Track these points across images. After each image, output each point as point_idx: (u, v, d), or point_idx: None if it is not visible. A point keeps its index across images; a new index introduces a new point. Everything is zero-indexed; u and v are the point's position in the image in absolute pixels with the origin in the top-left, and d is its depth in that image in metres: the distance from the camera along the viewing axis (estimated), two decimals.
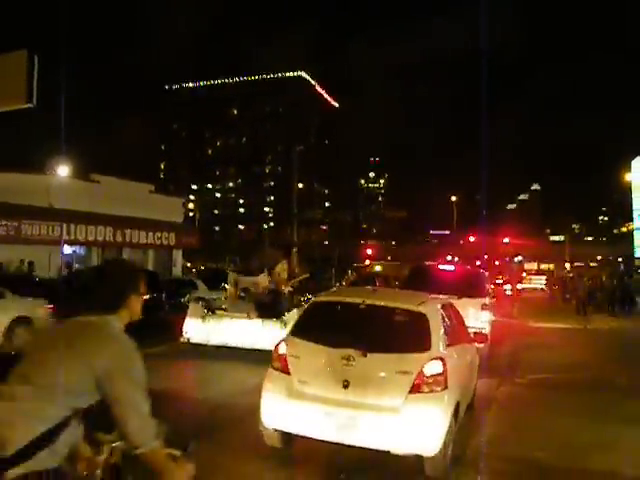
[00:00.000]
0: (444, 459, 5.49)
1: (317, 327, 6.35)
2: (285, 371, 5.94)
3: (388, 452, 5.42)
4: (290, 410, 5.76)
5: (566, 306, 28.25)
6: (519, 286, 48.85)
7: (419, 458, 5.48)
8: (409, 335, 6.08)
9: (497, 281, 43.99)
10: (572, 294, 29.30)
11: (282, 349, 6.13)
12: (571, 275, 40.50)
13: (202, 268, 45.09)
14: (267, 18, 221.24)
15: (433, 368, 5.51)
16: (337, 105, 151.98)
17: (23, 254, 22.47)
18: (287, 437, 5.98)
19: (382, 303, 6.42)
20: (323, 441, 5.58)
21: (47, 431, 2.22)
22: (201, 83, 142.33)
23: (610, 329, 20.77)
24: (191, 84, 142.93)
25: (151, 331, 8.13)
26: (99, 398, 2.37)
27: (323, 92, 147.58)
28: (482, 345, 9.30)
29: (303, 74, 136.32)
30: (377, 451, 5.39)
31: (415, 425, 5.36)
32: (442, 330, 6.10)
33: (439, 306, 6.69)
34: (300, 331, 6.31)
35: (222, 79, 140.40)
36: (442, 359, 5.63)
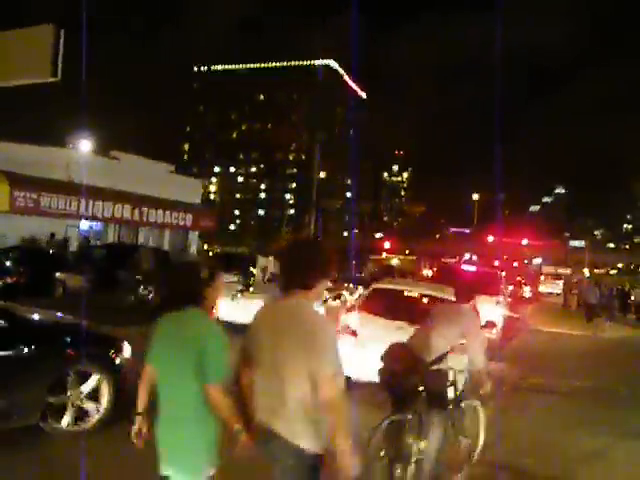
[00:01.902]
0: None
1: (376, 305, 8.65)
2: (352, 334, 8.06)
3: None
4: (355, 362, 7.14)
5: (579, 313, 27.90)
6: (541, 289, 48.48)
7: None
8: None
9: (519, 281, 43.61)
10: (580, 301, 28.94)
11: (352, 318, 8.47)
12: (575, 281, 39.90)
13: (217, 251, 45.15)
14: (302, 5, 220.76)
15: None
16: (364, 96, 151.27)
17: (41, 227, 22.70)
18: (349, 383, 6.76)
19: (422, 291, 9.03)
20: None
21: None
22: (230, 67, 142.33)
23: (621, 338, 20.52)
24: (220, 67, 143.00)
25: None
26: None
27: (351, 82, 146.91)
28: (493, 332, 11.89)
29: (332, 63, 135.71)
30: None
31: None
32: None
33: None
34: (364, 307, 8.76)
35: (251, 63, 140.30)
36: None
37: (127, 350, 6.18)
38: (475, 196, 78.87)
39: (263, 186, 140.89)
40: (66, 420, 5.53)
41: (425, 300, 8.59)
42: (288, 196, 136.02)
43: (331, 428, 2.73)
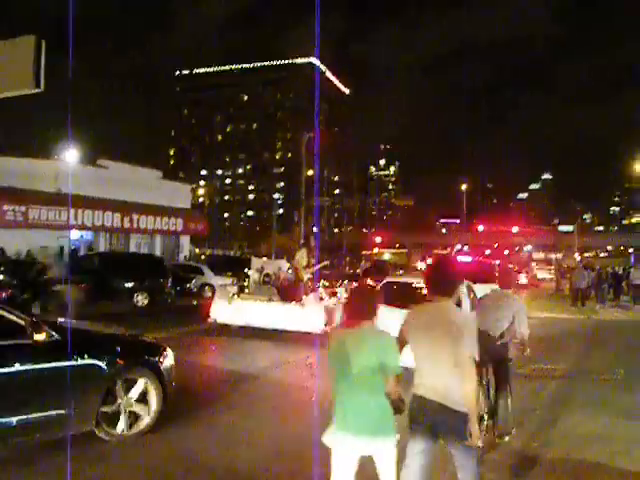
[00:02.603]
0: None
1: (388, 296, 9.16)
2: None
3: None
4: None
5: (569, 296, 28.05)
6: (539, 275, 48.74)
7: None
8: None
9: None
10: (568, 284, 29.02)
11: None
12: (566, 266, 40.06)
13: (206, 253, 45.11)
14: (282, 5, 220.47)
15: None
16: (347, 92, 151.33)
17: (31, 239, 22.63)
18: None
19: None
20: None
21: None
22: (212, 69, 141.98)
23: (615, 320, 20.70)
24: (202, 70, 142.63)
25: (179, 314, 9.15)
26: None
27: (334, 79, 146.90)
28: None
29: (314, 60, 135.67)
30: None
31: None
32: (468, 300, 9.30)
33: (465, 285, 9.47)
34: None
35: (233, 65, 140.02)
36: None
37: (171, 356, 6.54)
38: (463, 187, 79.24)
39: (251, 187, 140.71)
40: (121, 426, 5.86)
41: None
42: (277, 195, 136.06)
43: (467, 403, 3.74)
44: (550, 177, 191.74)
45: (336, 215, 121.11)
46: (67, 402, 5.39)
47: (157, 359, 6.35)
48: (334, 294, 14.24)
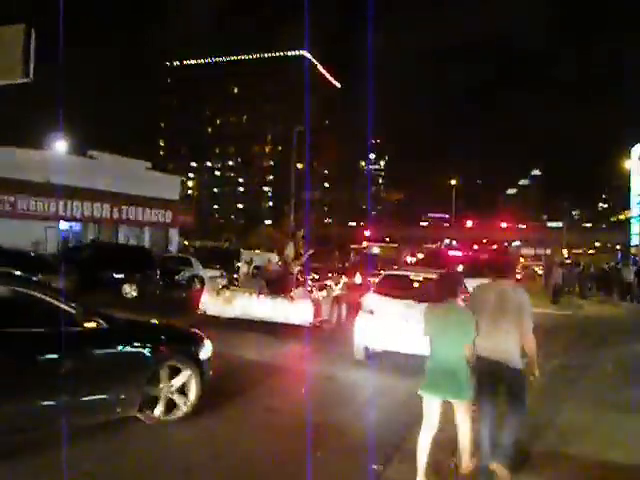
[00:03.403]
0: None
1: (388, 288, 10.53)
2: (370, 312, 10.10)
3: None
4: (372, 334, 9.98)
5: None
6: (539, 271, 48.99)
7: None
8: None
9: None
10: (547, 280, 29.26)
11: (369, 299, 10.44)
12: (557, 261, 40.31)
13: (196, 245, 44.90)
14: None
15: None
16: (339, 86, 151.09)
17: (19, 229, 22.52)
18: (368, 352, 10.25)
19: (424, 275, 10.92)
20: (392, 352, 9.89)
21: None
22: (202, 61, 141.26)
23: (600, 315, 20.92)
24: (192, 61, 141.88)
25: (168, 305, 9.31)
26: None
27: (325, 72, 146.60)
28: None
29: (305, 53, 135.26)
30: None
31: None
32: (458, 290, 9.77)
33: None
34: (378, 290, 10.68)
35: (223, 57, 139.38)
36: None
37: (209, 347, 6.78)
38: (452, 181, 79.43)
39: (241, 179, 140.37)
40: (159, 410, 6.12)
41: (426, 282, 10.44)
42: (267, 188, 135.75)
43: (530, 354, 5.18)
44: (539, 173, 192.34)
45: (326, 209, 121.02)
46: (114, 387, 5.72)
47: (196, 349, 6.60)
48: (323, 287, 14.32)
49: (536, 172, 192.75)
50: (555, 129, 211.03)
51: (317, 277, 15.24)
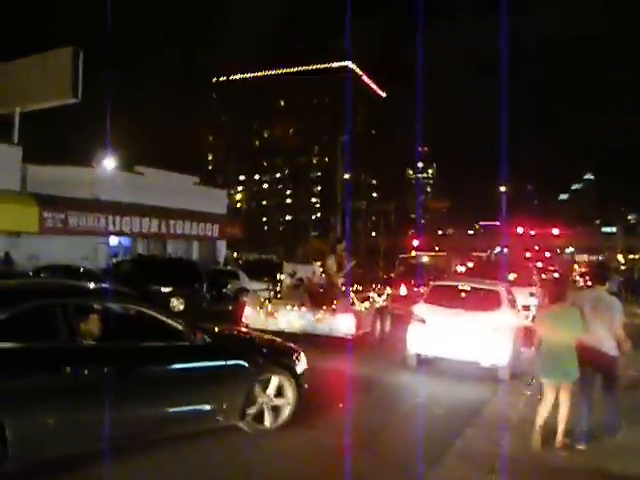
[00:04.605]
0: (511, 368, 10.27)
1: (438, 298, 11.11)
2: (422, 321, 10.70)
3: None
4: (424, 341, 10.65)
5: None
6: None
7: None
8: (489, 302, 10.78)
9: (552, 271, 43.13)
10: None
11: (420, 308, 11.03)
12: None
13: (244, 258, 45.21)
14: (317, 8, 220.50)
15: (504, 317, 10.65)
16: (384, 95, 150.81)
17: (70, 246, 23.05)
18: (420, 359, 10.86)
19: (473, 285, 11.66)
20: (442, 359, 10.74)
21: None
22: (247, 75, 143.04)
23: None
24: (238, 76, 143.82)
25: (215, 319, 10.44)
26: None
27: (370, 82, 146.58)
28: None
29: (350, 64, 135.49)
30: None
31: (494, 346, 10.10)
32: (506, 299, 11.03)
33: (504, 287, 11.75)
34: (429, 300, 11.24)
35: (269, 70, 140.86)
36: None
37: (304, 360, 7.18)
38: (502, 188, 77.97)
39: (289, 191, 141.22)
40: (267, 420, 6.60)
41: (474, 292, 11.24)
42: (314, 200, 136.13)
43: (620, 339, 6.46)
44: (592, 177, 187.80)
45: (373, 218, 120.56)
46: (218, 397, 6.19)
47: (293, 362, 6.99)
48: (366, 299, 14.14)
49: (589, 176, 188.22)
50: (607, 130, 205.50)
51: (360, 289, 15.05)
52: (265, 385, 6.59)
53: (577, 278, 37.41)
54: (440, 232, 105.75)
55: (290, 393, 6.71)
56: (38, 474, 5.15)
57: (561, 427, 6.33)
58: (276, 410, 6.65)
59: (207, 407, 6.14)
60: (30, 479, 5.12)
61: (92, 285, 6.87)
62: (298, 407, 6.75)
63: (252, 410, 6.45)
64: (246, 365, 6.44)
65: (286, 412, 6.68)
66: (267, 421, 6.58)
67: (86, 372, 5.27)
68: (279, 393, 6.69)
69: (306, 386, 7.00)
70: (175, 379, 5.96)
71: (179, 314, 18.69)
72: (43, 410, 5.05)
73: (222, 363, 6.30)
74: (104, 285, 6.86)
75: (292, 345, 7.56)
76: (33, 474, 5.12)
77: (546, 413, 6.32)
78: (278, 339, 7.96)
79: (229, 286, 23.54)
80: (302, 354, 7.21)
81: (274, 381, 6.66)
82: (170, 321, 6.09)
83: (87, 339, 5.56)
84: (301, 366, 7.03)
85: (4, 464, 4.75)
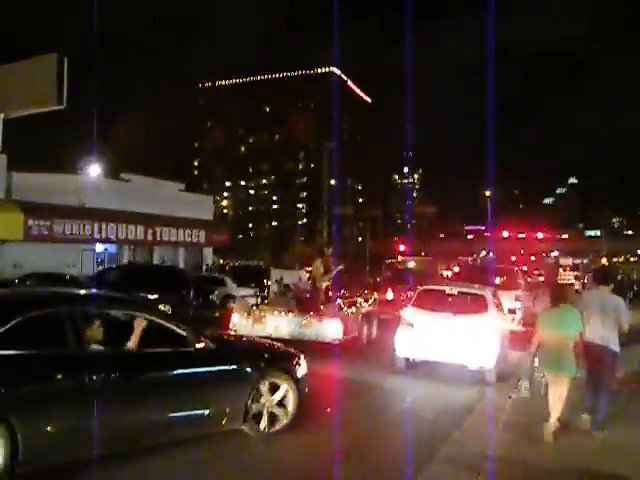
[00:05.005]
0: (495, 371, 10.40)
1: (426, 302, 11.21)
2: (410, 325, 10.87)
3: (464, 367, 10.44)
4: (413, 345, 10.79)
5: None
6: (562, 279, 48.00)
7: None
8: (476, 305, 10.89)
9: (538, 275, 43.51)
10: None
11: (408, 313, 11.17)
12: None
13: (229, 265, 45.08)
14: (302, 14, 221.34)
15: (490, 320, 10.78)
16: (369, 100, 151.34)
17: (55, 253, 22.93)
18: (408, 362, 11.01)
19: (459, 289, 11.61)
20: (430, 362, 10.74)
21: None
22: (233, 81, 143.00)
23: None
24: (223, 82, 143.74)
25: (201, 325, 9.85)
26: None
27: (356, 88, 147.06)
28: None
29: (335, 70, 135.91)
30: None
31: (481, 349, 10.23)
32: (492, 303, 11.15)
33: (490, 291, 11.93)
34: (416, 304, 11.30)
35: (254, 76, 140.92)
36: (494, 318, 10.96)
37: (304, 365, 7.32)
38: (487, 192, 78.47)
39: (275, 197, 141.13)
40: (263, 424, 6.69)
41: (461, 296, 11.29)
42: (300, 205, 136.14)
43: (624, 332, 7.20)
44: (576, 181, 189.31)
45: (360, 224, 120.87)
46: (220, 401, 6.35)
47: (294, 366, 7.14)
48: (353, 304, 14.19)
49: (573, 180, 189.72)
50: (590, 134, 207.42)
51: (347, 294, 15.09)
52: (267, 389, 6.74)
53: (573, 281, 37.92)
54: (428, 237, 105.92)
55: (291, 397, 6.87)
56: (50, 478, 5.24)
57: (554, 416, 6.86)
58: (276, 414, 6.80)
59: (212, 411, 6.26)
60: None
61: (97, 292, 6.98)
62: (298, 411, 6.91)
63: (255, 414, 6.60)
64: (249, 370, 6.61)
65: (287, 416, 6.84)
66: (268, 424, 6.73)
67: (94, 378, 5.37)
68: (280, 397, 6.84)
69: (307, 390, 7.16)
70: (180, 384, 6.11)
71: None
72: (53, 416, 5.15)
73: (226, 368, 6.47)
74: (109, 293, 6.94)
75: (292, 350, 7.73)
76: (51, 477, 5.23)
77: (560, 405, 6.87)
78: (278, 344, 8.13)
79: (216, 292, 23.49)
80: (302, 359, 7.36)
81: (276, 385, 6.83)
82: (174, 327, 6.22)
83: (93, 345, 5.69)
84: (301, 371, 7.18)
85: (15, 469, 4.85)
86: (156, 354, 6.06)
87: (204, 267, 32.97)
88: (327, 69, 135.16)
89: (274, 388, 6.83)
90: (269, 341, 8.26)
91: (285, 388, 6.86)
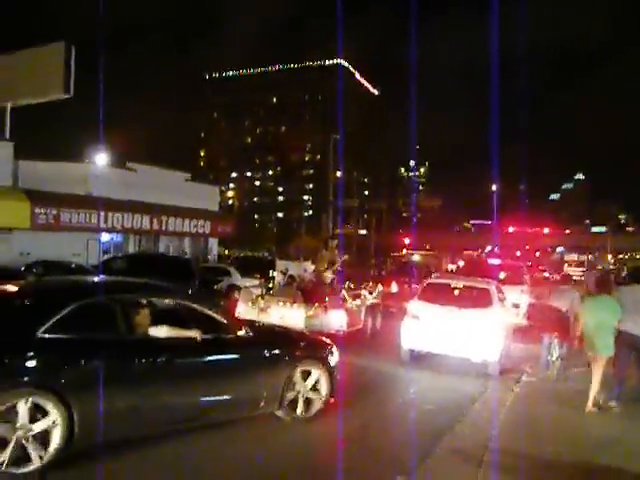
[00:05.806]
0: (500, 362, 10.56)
1: (431, 295, 11.44)
2: (416, 317, 11.08)
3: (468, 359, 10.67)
4: (418, 337, 10.98)
5: None
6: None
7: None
8: (481, 299, 11.06)
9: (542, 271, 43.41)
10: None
11: (414, 305, 11.39)
12: (599, 267, 39.34)
13: (233, 255, 45.16)
14: (310, 6, 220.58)
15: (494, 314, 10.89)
16: (377, 93, 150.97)
17: (62, 242, 23.00)
18: (413, 354, 11.22)
19: (465, 283, 11.96)
20: (435, 354, 10.93)
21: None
22: (240, 72, 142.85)
23: None
24: (231, 72, 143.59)
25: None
26: None
27: (363, 80, 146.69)
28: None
29: (343, 62, 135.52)
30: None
31: (485, 342, 10.38)
32: (497, 297, 11.24)
33: (495, 285, 11.96)
34: (422, 297, 11.52)
35: (262, 67, 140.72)
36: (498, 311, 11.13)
37: (336, 353, 7.56)
38: (494, 187, 78.22)
39: (280, 189, 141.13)
40: (300, 409, 6.98)
41: (466, 290, 11.58)
42: (306, 197, 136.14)
43: None
44: (583, 177, 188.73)
45: (365, 216, 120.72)
46: (260, 386, 6.61)
47: (327, 355, 7.42)
48: (358, 296, 14.23)
49: (579, 176, 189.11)
50: (598, 130, 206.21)
51: (352, 286, 15.13)
52: (302, 376, 7.01)
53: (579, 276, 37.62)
54: (433, 230, 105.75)
55: (324, 384, 7.14)
56: (104, 453, 5.44)
57: (591, 396, 7.74)
58: (312, 398, 7.08)
59: (251, 395, 6.55)
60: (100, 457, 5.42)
61: (146, 281, 7.18)
62: (332, 396, 7.19)
63: (289, 399, 6.85)
64: (286, 357, 6.92)
65: (321, 400, 7.11)
66: (304, 409, 7.01)
67: (143, 361, 5.69)
68: (314, 384, 7.11)
69: (338, 377, 7.39)
70: (223, 369, 6.41)
71: None
72: (107, 395, 5.35)
73: (264, 354, 6.72)
74: (157, 282, 7.07)
75: (326, 339, 8.02)
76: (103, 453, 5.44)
77: (597, 384, 7.74)
78: (311, 334, 8.42)
79: (221, 283, 23.54)
80: (335, 348, 7.59)
81: (310, 372, 7.08)
82: (216, 315, 6.49)
83: (141, 331, 6.01)
84: (334, 359, 7.43)
85: (71, 445, 5.12)
86: (201, 340, 6.23)
87: (210, 258, 32.99)
88: (334, 61, 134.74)
89: (308, 375, 7.08)
90: (303, 331, 8.76)
91: (319, 375, 7.11)
